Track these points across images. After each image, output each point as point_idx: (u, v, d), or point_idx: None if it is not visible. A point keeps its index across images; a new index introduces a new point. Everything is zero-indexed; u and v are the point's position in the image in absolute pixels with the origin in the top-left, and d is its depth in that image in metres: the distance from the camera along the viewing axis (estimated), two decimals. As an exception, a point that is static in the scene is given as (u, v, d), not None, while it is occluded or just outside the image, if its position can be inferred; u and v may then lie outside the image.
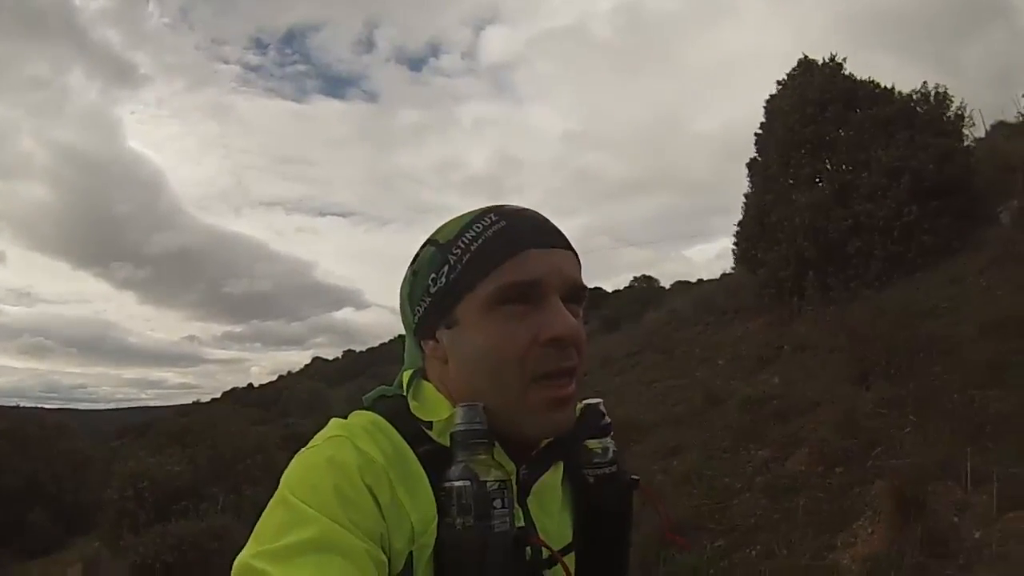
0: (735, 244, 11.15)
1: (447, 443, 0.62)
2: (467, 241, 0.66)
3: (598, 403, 0.75)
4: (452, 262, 0.66)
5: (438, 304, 0.67)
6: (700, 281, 21.25)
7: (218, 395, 40.90)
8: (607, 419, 0.75)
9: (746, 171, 11.47)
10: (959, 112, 9.92)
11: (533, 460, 0.69)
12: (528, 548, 0.61)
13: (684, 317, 13.20)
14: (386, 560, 0.56)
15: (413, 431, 0.65)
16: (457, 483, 0.58)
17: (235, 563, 0.53)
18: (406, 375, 0.72)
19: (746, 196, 11.19)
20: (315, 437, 0.64)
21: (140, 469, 11.24)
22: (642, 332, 14.13)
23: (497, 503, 0.58)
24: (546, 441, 0.69)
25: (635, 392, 9.31)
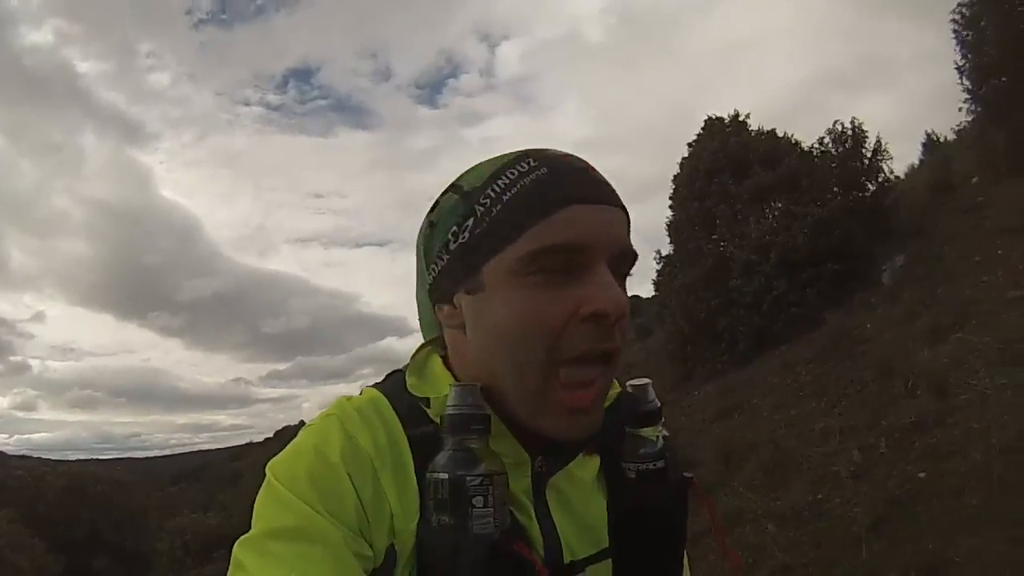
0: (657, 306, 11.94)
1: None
2: (499, 189, 0.56)
3: (646, 384, 0.63)
4: (479, 214, 0.56)
5: (459, 263, 0.58)
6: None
7: (271, 434, 41.09)
8: (656, 403, 0.63)
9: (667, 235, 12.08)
10: (876, 147, 9.65)
11: (553, 449, 0.59)
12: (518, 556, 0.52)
13: (645, 365, 14.03)
14: (370, 551, 0.52)
15: (411, 411, 0.58)
16: (435, 475, 0.53)
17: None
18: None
19: (662, 260, 11.84)
20: (317, 415, 0.60)
21: (184, 524, 14.36)
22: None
23: (478, 500, 0.51)
24: None
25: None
